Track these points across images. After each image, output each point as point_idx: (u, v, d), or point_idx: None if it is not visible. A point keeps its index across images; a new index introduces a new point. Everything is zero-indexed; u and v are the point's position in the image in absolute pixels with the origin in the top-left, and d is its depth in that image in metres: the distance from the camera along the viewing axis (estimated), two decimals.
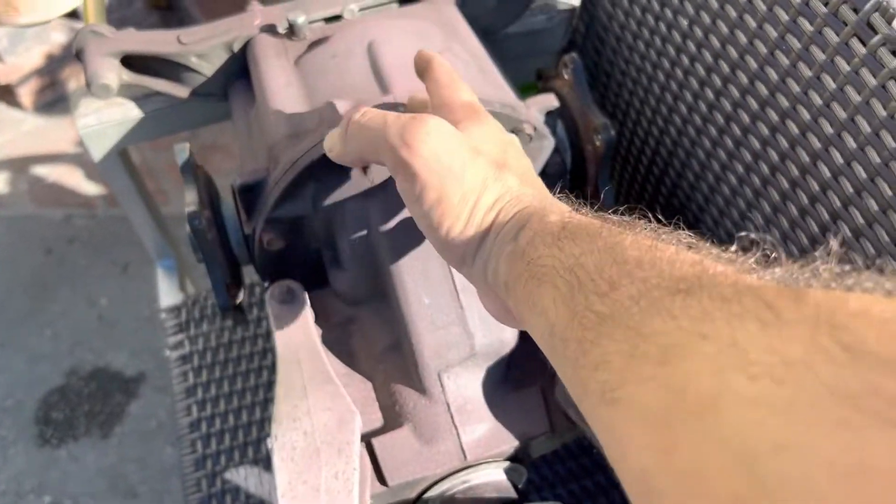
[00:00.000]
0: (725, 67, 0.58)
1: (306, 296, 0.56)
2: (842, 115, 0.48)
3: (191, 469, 0.76)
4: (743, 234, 0.29)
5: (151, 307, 1.48)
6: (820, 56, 0.48)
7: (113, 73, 0.65)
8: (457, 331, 0.51)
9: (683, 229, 0.31)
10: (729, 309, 0.23)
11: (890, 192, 0.45)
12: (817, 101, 0.50)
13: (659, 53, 0.66)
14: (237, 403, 0.79)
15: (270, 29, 0.64)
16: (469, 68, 0.59)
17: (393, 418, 0.52)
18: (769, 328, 0.21)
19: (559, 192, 0.40)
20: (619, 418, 0.25)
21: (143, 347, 1.44)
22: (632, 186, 0.79)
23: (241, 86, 0.66)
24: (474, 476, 0.50)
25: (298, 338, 0.52)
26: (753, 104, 0.56)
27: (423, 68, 0.47)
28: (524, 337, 0.54)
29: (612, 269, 0.28)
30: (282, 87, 0.59)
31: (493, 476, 0.51)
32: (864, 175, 0.47)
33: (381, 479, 0.49)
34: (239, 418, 0.78)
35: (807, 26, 0.49)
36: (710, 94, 0.60)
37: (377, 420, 0.52)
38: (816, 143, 0.50)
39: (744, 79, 0.56)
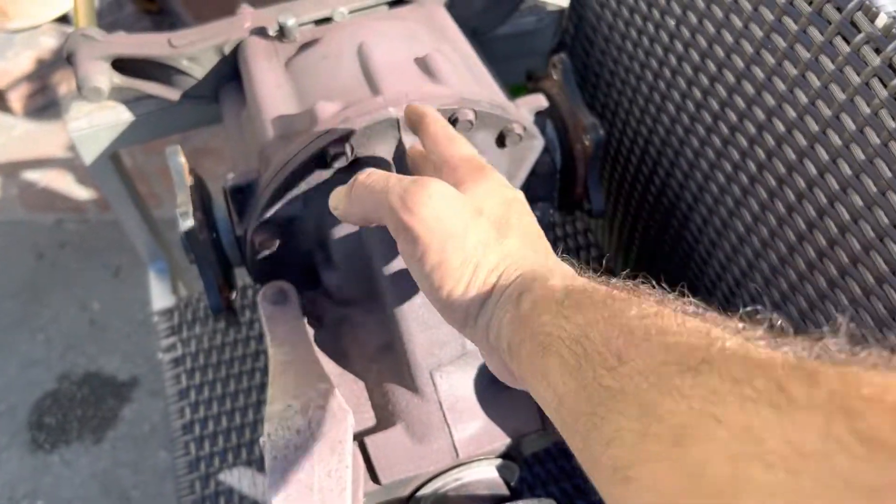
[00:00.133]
0: (712, 67, 0.58)
1: (298, 296, 0.56)
2: (826, 112, 0.48)
3: (184, 471, 0.76)
4: (750, 308, 0.29)
5: (143, 311, 1.48)
6: (805, 55, 0.49)
7: (104, 77, 0.65)
8: (448, 330, 0.51)
9: (688, 296, 0.31)
10: (741, 391, 0.22)
11: (875, 189, 0.46)
12: (803, 99, 0.50)
13: (647, 53, 0.67)
14: (230, 405, 0.79)
15: (261, 31, 0.64)
16: (459, 69, 0.59)
17: (385, 417, 0.52)
18: (783, 414, 0.21)
19: (561, 254, 0.40)
20: (632, 497, 0.25)
21: (136, 351, 1.44)
22: (621, 185, 0.79)
23: (232, 88, 0.67)
24: (467, 474, 0.50)
25: (291, 338, 0.53)
26: (741, 103, 0.56)
27: (416, 123, 0.46)
28: None
29: (619, 340, 0.28)
30: (272, 88, 0.59)
31: (486, 473, 0.51)
32: (849, 172, 0.48)
33: (374, 477, 0.49)
34: (232, 420, 0.78)
35: (791, 25, 0.50)
36: (697, 93, 0.61)
37: (370, 419, 0.52)
38: (802, 141, 0.51)
39: (731, 78, 0.57)
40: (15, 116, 1.83)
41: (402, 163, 0.53)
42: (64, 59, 0.66)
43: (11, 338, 1.47)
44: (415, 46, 0.60)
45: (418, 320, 0.51)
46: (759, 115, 0.55)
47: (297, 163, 0.51)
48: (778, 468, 0.20)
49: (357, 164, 0.53)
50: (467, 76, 0.59)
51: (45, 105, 1.85)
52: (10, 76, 1.77)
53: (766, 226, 0.57)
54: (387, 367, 0.54)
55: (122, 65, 0.66)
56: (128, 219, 0.86)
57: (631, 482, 0.25)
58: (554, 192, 0.65)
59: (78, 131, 0.71)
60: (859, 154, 0.46)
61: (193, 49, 0.65)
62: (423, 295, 0.51)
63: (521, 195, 0.42)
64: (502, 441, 0.51)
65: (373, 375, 0.54)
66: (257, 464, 0.76)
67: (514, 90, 0.65)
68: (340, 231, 0.55)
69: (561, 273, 0.36)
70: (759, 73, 0.54)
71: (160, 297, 0.89)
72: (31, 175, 1.72)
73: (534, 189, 0.63)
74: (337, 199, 0.44)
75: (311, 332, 0.56)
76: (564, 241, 0.91)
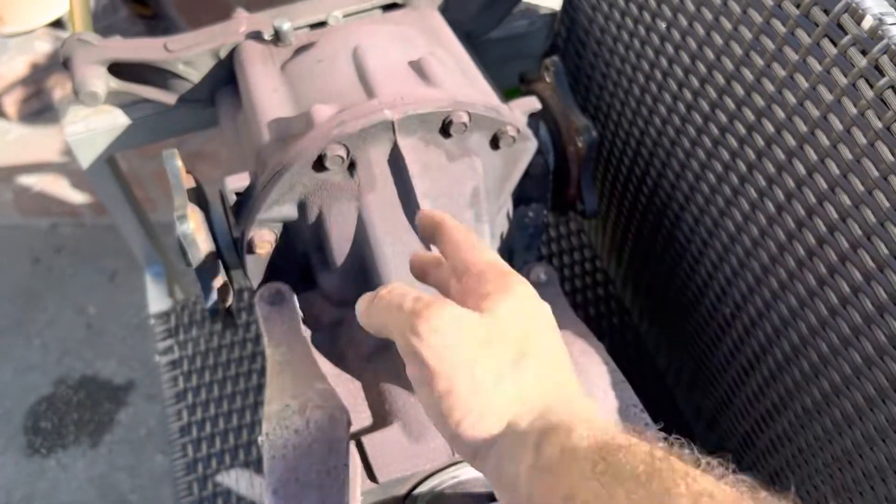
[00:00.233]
0: (703, 68, 0.59)
1: (295, 297, 0.57)
2: (815, 113, 0.49)
3: (182, 473, 0.76)
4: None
5: (139, 315, 1.48)
6: (793, 56, 0.50)
7: (101, 81, 0.65)
8: None
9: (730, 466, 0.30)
10: None
11: (862, 188, 0.47)
12: (791, 100, 0.51)
13: (638, 56, 0.67)
14: (227, 407, 0.80)
15: (256, 35, 0.65)
16: (453, 72, 0.60)
17: (382, 417, 0.53)
18: None
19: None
20: None
21: (132, 355, 1.44)
22: (614, 186, 0.80)
23: (228, 92, 0.67)
24: (463, 471, 0.51)
25: (288, 338, 0.53)
26: (730, 104, 0.57)
27: (433, 232, 0.43)
28: None
29: None
30: (268, 92, 0.60)
31: None
32: (836, 171, 0.48)
33: (372, 476, 0.50)
34: (229, 422, 0.79)
35: (780, 28, 0.50)
36: (688, 95, 0.62)
37: (366, 419, 0.53)
38: (791, 141, 0.52)
39: (720, 79, 0.57)
40: (9, 121, 1.83)
41: (396, 165, 0.54)
42: (60, 63, 0.66)
43: (7, 342, 1.47)
44: (409, 50, 0.61)
45: None
46: (749, 116, 0.55)
47: (294, 165, 0.52)
48: None
49: (353, 167, 0.53)
50: (461, 79, 0.60)
51: (39, 110, 1.85)
52: (4, 81, 1.77)
53: (757, 225, 0.58)
54: (383, 367, 0.54)
55: (119, 69, 0.66)
56: (124, 222, 0.86)
57: None
58: (547, 193, 0.65)
59: (75, 135, 0.71)
60: (847, 153, 0.47)
61: (189, 53, 0.65)
62: None
63: (546, 309, 0.39)
64: None
65: (369, 375, 0.55)
66: (255, 465, 0.76)
67: (508, 93, 0.66)
68: (336, 233, 0.55)
69: (587, 418, 0.34)
70: (748, 75, 0.54)
71: (157, 300, 0.89)
72: (26, 179, 1.72)
73: (528, 190, 0.64)
74: (361, 307, 0.41)
75: (307, 332, 0.56)
76: (558, 242, 0.92)
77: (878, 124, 0.44)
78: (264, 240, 0.56)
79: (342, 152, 0.52)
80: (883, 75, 0.44)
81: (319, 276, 0.59)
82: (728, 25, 0.55)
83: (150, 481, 1.29)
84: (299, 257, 0.59)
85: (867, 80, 0.45)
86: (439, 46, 0.64)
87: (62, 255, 1.61)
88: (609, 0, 0.70)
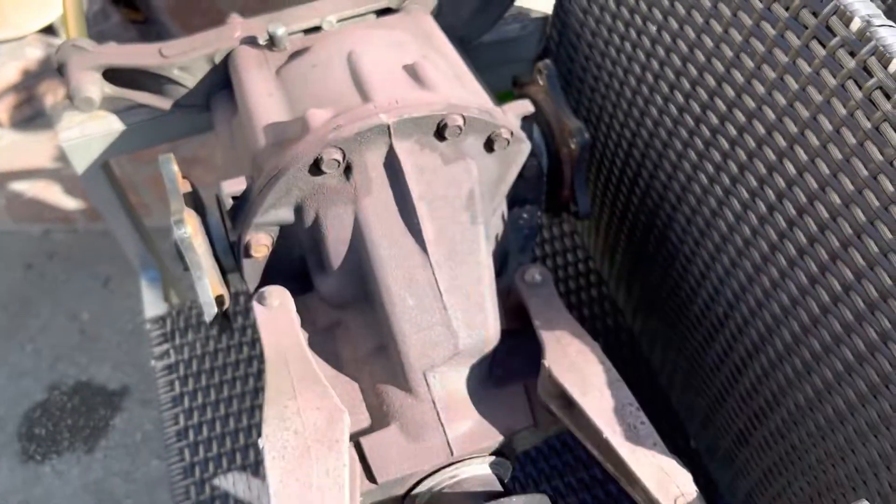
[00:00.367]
0: (694, 70, 0.60)
1: (292, 300, 0.57)
2: (804, 114, 0.50)
3: (179, 477, 0.76)
4: None
5: (133, 320, 1.48)
6: (783, 58, 0.51)
7: (95, 87, 0.65)
8: (441, 331, 0.52)
9: None
10: None
11: (852, 187, 0.47)
12: (781, 101, 0.52)
13: (630, 58, 0.68)
14: (224, 411, 0.80)
15: (251, 41, 0.65)
16: (447, 76, 0.60)
17: (380, 418, 0.53)
18: None
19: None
20: None
21: (126, 361, 1.44)
22: (607, 188, 0.81)
23: (223, 97, 0.68)
24: (461, 471, 0.51)
25: (285, 341, 0.53)
26: (722, 106, 0.58)
27: None
28: (507, 335, 0.56)
29: None
30: (264, 96, 0.60)
31: (480, 470, 0.52)
32: (826, 171, 0.49)
33: (371, 476, 0.50)
34: (226, 425, 0.79)
35: (769, 30, 0.51)
36: (679, 96, 0.62)
37: (364, 420, 0.53)
38: (782, 142, 0.53)
39: (711, 82, 0.58)
40: (1, 127, 1.83)
41: (392, 168, 0.54)
42: (52, 69, 0.67)
43: (0, 349, 1.47)
44: (403, 54, 0.62)
45: (411, 322, 0.52)
46: (740, 117, 0.56)
47: (290, 169, 0.52)
48: None
49: (349, 171, 0.54)
50: (455, 82, 0.60)
51: (31, 116, 1.84)
52: None
53: (748, 225, 0.58)
54: (380, 369, 0.54)
55: (113, 75, 0.67)
56: (119, 228, 0.86)
57: None
58: (541, 195, 0.66)
59: (69, 141, 0.71)
60: (836, 154, 0.48)
61: (184, 59, 0.65)
62: (416, 296, 0.53)
63: None
64: (495, 438, 0.52)
65: (366, 377, 0.55)
66: (252, 468, 0.76)
67: (502, 96, 0.66)
68: (333, 236, 0.55)
69: None
70: (738, 78, 0.55)
71: (152, 305, 0.89)
72: (19, 186, 1.72)
73: (522, 192, 0.64)
74: None
75: (305, 335, 0.57)
76: (552, 244, 0.92)
77: (867, 124, 0.45)
78: (261, 243, 0.57)
79: (338, 156, 0.52)
80: (871, 76, 0.44)
81: (316, 279, 0.59)
82: (718, 28, 0.56)
83: (146, 486, 1.29)
84: (296, 260, 0.59)
85: (856, 81, 0.45)
86: (433, 50, 0.65)
87: (55, 261, 1.60)
88: (600, 3, 0.70)
